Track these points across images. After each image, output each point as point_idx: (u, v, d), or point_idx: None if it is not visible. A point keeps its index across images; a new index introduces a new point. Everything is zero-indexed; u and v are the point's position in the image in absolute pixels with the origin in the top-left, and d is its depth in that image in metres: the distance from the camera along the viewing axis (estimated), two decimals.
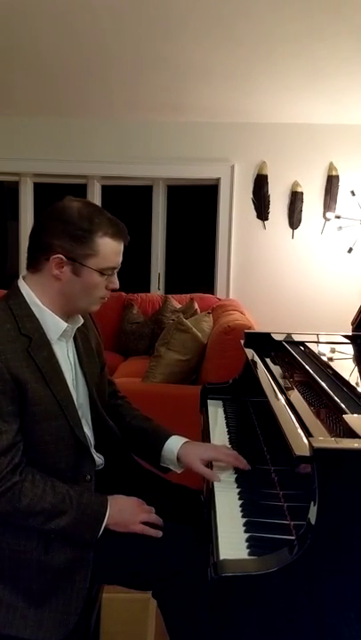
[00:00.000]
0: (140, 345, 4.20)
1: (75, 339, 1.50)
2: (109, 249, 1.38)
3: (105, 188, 4.74)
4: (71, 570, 1.34)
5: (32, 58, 3.57)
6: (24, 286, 1.40)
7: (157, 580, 1.36)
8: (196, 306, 4.06)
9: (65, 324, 1.41)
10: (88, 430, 1.51)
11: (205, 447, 1.58)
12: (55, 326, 1.40)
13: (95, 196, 4.67)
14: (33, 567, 1.32)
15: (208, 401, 2.08)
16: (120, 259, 1.43)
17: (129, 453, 1.65)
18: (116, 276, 1.45)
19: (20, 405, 1.31)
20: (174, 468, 1.58)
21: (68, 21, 3.09)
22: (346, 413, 1.25)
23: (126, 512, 1.38)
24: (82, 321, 1.50)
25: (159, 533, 1.37)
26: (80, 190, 4.69)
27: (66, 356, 1.45)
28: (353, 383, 1.45)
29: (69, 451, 1.39)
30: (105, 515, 1.35)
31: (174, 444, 1.55)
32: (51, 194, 4.85)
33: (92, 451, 1.50)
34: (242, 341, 2.17)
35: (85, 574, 1.35)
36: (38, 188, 4.81)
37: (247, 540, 1.16)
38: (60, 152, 4.56)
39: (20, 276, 1.44)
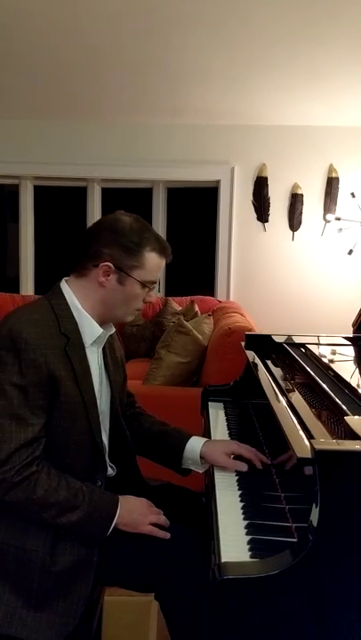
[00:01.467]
0: (140, 347, 4.20)
1: (104, 347, 1.54)
2: (154, 263, 1.46)
3: (105, 191, 4.74)
4: (75, 573, 1.34)
5: (31, 61, 3.57)
6: (66, 289, 1.46)
7: (159, 582, 1.37)
8: (197, 308, 4.06)
9: (100, 330, 1.46)
10: (105, 438, 1.53)
11: (225, 442, 1.66)
12: (91, 331, 1.45)
13: (95, 199, 4.67)
14: (37, 568, 1.32)
15: (209, 403, 2.09)
16: (159, 275, 1.52)
17: (137, 467, 1.66)
18: (154, 290, 1.52)
19: (51, 402, 1.35)
20: (196, 468, 1.62)
21: (68, 24, 3.10)
22: (347, 415, 1.25)
23: (136, 512, 1.40)
24: (114, 330, 1.56)
25: (167, 535, 1.38)
26: (80, 193, 4.69)
27: (95, 362, 1.49)
28: (354, 385, 1.45)
29: (86, 453, 1.42)
30: (115, 513, 1.36)
31: (196, 444, 1.60)
32: (51, 197, 4.85)
33: (106, 458, 1.51)
34: (242, 343, 2.17)
35: (88, 578, 1.35)
36: (38, 190, 4.81)
37: (249, 543, 1.16)
38: (59, 155, 4.56)
39: (63, 279, 1.49)
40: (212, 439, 1.66)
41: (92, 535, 1.36)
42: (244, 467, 1.51)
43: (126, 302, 1.47)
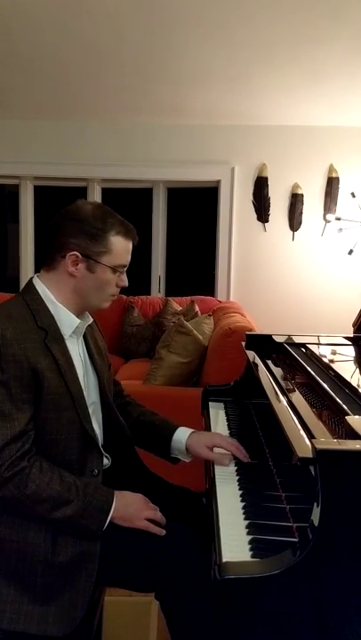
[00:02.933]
0: (140, 347, 4.20)
1: (85, 337, 1.55)
2: (121, 247, 1.47)
3: (105, 191, 4.75)
4: (78, 565, 1.34)
5: (32, 61, 3.57)
6: (39, 284, 1.47)
7: (160, 582, 1.36)
8: (197, 308, 4.06)
9: (78, 320, 1.47)
10: (97, 428, 1.53)
11: (210, 435, 1.68)
12: (68, 322, 1.45)
13: (95, 199, 4.67)
14: (40, 562, 1.33)
15: (209, 403, 2.08)
16: (129, 257, 1.51)
17: (136, 454, 1.68)
18: (125, 274, 1.52)
19: (36, 394, 1.35)
20: (183, 458, 1.65)
21: (68, 25, 3.10)
22: (348, 415, 1.25)
23: (132, 507, 1.40)
24: (91, 319, 1.57)
25: (162, 532, 1.39)
26: (80, 193, 4.69)
27: (77, 352, 1.49)
28: (355, 384, 1.45)
29: (78, 443, 1.42)
30: (111, 507, 1.37)
31: (182, 434, 1.63)
32: (51, 197, 4.85)
33: (100, 448, 1.51)
34: (243, 343, 2.17)
35: (92, 569, 1.35)
36: (38, 191, 4.81)
37: (250, 543, 1.16)
38: (60, 155, 4.56)
39: (35, 275, 1.50)
40: (198, 431, 1.68)
41: (87, 529, 1.36)
42: (226, 460, 1.53)
43: (99, 289, 1.47)
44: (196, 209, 4.99)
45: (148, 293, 4.74)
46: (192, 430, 1.65)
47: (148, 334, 4.18)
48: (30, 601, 1.31)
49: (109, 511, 1.37)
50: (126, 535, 1.39)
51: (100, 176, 4.65)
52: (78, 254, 1.42)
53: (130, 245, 1.49)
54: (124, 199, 4.83)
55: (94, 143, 4.55)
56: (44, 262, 1.49)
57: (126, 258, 1.49)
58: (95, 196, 4.67)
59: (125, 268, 1.51)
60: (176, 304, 4.28)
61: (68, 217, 1.47)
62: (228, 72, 3.59)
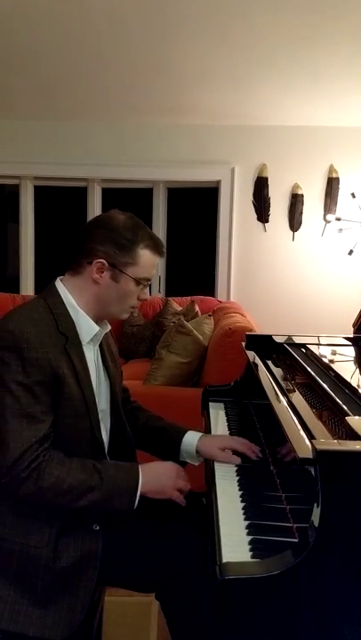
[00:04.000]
0: (140, 347, 4.20)
1: (100, 344, 1.55)
2: (148, 260, 1.47)
3: (105, 191, 4.75)
4: (79, 570, 1.34)
5: (31, 61, 3.57)
6: (61, 287, 1.47)
7: (160, 582, 1.37)
8: (197, 308, 4.06)
9: (97, 328, 1.47)
10: (105, 436, 1.53)
11: (220, 437, 1.71)
12: (88, 328, 1.46)
13: (95, 199, 4.68)
14: (41, 565, 1.32)
15: (209, 403, 2.08)
16: (154, 272, 1.52)
17: (136, 462, 1.66)
18: (148, 287, 1.53)
19: (55, 399, 1.36)
20: (192, 461, 1.65)
21: (68, 25, 3.10)
22: (348, 415, 1.25)
23: (163, 477, 1.43)
24: (109, 327, 1.58)
25: (184, 502, 1.43)
26: (81, 193, 4.69)
27: (93, 360, 1.49)
28: (355, 385, 1.45)
29: (86, 451, 1.42)
30: (138, 483, 1.37)
31: (192, 438, 1.63)
32: (51, 197, 4.86)
33: (105, 455, 1.51)
34: (243, 343, 2.17)
35: (93, 574, 1.35)
36: (39, 191, 4.81)
37: (250, 543, 1.16)
38: (60, 155, 4.56)
39: (58, 278, 1.50)
40: (207, 434, 1.69)
41: (119, 509, 1.35)
42: (237, 460, 1.55)
43: (120, 299, 1.47)
44: (197, 209, 4.99)
45: (149, 293, 4.73)
46: (201, 433, 1.66)
47: (149, 334, 4.18)
48: (30, 603, 1.31)
49: (137, 487, 1.36)
50: (127, 536, 1.39)
51: (101, 176, 4.65)
52: (105, 262, 1.42)
53: (157, 260, 1.50)
54: (125, 199, 4.83)
55: (94, 143, 4.55)
56: (69, 266, 1.49)
57: (151, 272, 1.50)
58: (95, 195, 4.67)
59: (149, 282, 1.52)
60: (176, 304, 4.28)
61: (100, 224, 1.47)
62: (228, 72, 3.59)
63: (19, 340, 1.31)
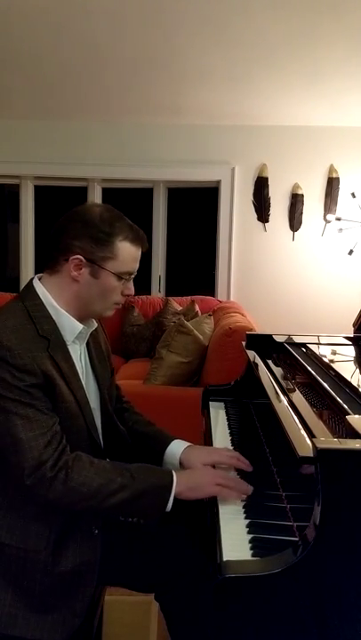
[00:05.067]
0: (141, 347, 4.20)
1: (87, 343, 1.49)
2: (128, 253, 1.39)
3: (105, 191, 4.75)
4: (78, 575, 1.33)
5: (31, 61, 3.57)
6: (40, 287, 1.40)
7: (160, 582, 1.36)
8: (197, 308, 4.06)
9: (80, 326, 1.41)
10: (98, 436, 1.50)
11: (207, 450, 1.57)
12: (71, 328, 1.39)
13: (96, 199, 4.67)
14: (39, 569, 1.31)
15: (210, 403, 2.08)
16: (137, 265, 1.44)
17: (136, 459, 1.64)
18: (132, 282, 1.45)
19: (52, 402, 1.32)
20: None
21: (68, 25, 3.10)
22: (348, 414, 1.25)
23: (197, 475, 1.38)
24: (95, 325, 1.51)
25: (241, 496, 1.33)
26: (81, 193, 4.69)
27: (79, 358, 1.44)
28: (355, 384, 1.45)
29: (86, 452, 1.38)
30: (173, 480, 1.32)
31: (176, 448, 1.54)
32: (51, 197, 4.85)
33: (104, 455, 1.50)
34: (243, 343, 2.17)
35: (92, 579, 1.34)
36: (39, 190, 4.81)
37: (250, 542, 1.16)
38: (60, 155, 4.56)
39: (35, 277, 1.44)
40: (194, 445, 1.59)
41: (152, 509, 1.31)
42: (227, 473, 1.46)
43: (103, 296, 1.40)
44: (197, 209, 4.99)
45: (149, 293, 4.74)
46: (188, 444, 1.55)
47: (149, 334, 4.18)
48: (27, 607, 1.30)
49: (172, 486, 1.31)
50: (126, 536, 1.39)
51: (101, 176, 4.65)
52: (82, 258, 1.35)
53: (138, 252, 1.42)
54: (125, 199, 4.83)
55: (95, 143, 4.55)
56: (46, 264, 1.43)
57: (133, 265, 1.42)
58: (95, 195, 4.67)
59: (132, 276, 1.44)
60: (176, 304, 4.28)
61: (75, 218, 1.39)
62: (228, 72, 3.59)
63: (0, 348, 1.26)
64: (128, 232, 1.39)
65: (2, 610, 1.31)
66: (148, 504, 1.31)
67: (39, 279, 1.43)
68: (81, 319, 1.42)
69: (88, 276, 1.37)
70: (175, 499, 1.32)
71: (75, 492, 1.26)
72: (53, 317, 1.37)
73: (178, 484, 1.32)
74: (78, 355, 1.44)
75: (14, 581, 1.32)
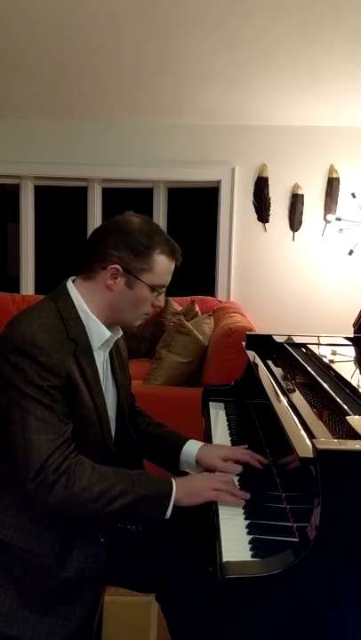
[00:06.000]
0: (140, 347, 4.21)
1: (110, 351, 1.51)
2: (164, 267, 1.42)
3: (105, 191, 4.74)
4: (81, 581, 1.33)
5: (32, 61, 3.57)
6: (73, 290, 1.42)
7: (160, 583, 1.36)
8: (197, 308, 4.06)
9: (109, 333, 1.43)
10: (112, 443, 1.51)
11: (222, 447, 1.64)
12: (99, 334, 1.41)
13: (96, 199, 4.67)
14: (43, 572, 1.31)
15: (210, 403, 2.08)
16: (170, 278, 1.46)
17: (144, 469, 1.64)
18: (163, 294, 1.48)
19: (70, 405, 1.33)
20: (191, 471, 1.60)
21: (68, 25, 3.10)
22: (348, 415, 1.25)
23: (196, 481, 1.39)
24: (121, 333, 1.53)
25: (241, 502, 1.33)
26: (81, 193, 4.69)
27: (101, 365, 1.45)
28: (355, 385, 1.45)
29: (98, 459, 1.38)
30: (172, 486, 1.33)
31: (192, 448, 1.57)
32: (51, 197, 4.85)
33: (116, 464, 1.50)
34: (243, 343, 2.17)
35: (95, 587, 1.34)
36: (39, 190, 4.81)
37: (250, 542, 1.16)
38: (60, 155, 4.56)
39: (69, 279, 1.46)
40: (208, 444, 1.63)
41: (151, 515, 1.32)
42: (238, 469, 1.49)
43: (134, 306, 1.42)
44: (197, 209, 4.99)
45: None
46: (202, 443, 1.59)
47: (148, 334, 4.18)
48: (27, 608, 1.30)
49: (171, 492, 1.32)
50: (127, 537, 1.39)
51: (101, 176, 4.65)
52: (119, 268, 1.37)
53: (172, 266, 1.45)
54: (125, 199, 4.83)
55: (95, 143, 4.55)
56: (81, 270, 1.44)
57: (167, 278, 1.44)
58: (95, 195, 4.67)
59: (164, 289, 1.46)
60: (176, 304, 4.28)
61: (115, 228, 1.41)
62: (228, 72, 3.59)
63: (32, 346, 1.27)
64: (165, 246, 1.42)
65: (1, 609, 1.31)
66: (147, 511, 1.31)
67: (73, 282, 1.44)
68: (109, 326, 1.44)
69: (123, 285, 1.39)
70: (174, 506, 1.33)
71: (76, 497, 1.26)
72: (83, 322, 1.39)
73: (177, 491, 1.33)
74: (102, 362, 1.46)
75: (17, 582, 1.32)
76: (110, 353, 1.52)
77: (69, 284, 1.43)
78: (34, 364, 1.27)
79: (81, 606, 1.33)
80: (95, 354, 1.41)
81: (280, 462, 1.44)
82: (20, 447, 1.27)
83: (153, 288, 1.42)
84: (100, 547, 1.37)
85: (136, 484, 1.31)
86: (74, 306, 1.39)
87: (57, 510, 1.29)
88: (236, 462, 1.52)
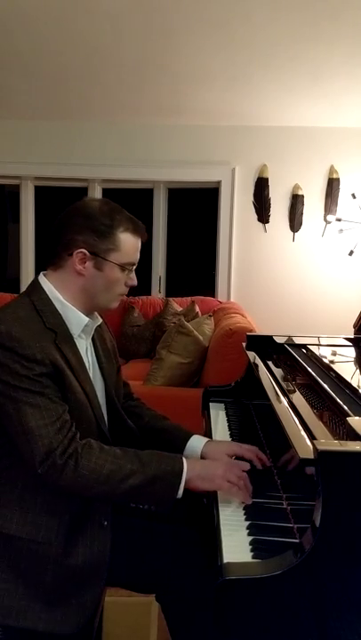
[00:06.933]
0: (141, 348, 4.20)
1: (93, 339, 1.52)
2: (130, 244, 1.43)
3: (106, 191, 4.75)
4: (89, 567, 1.33)
5: (33, 61, 3.57)
6: (45, 282, 1.43)
7: (161, 583, 1.36)
8: (197, 309, 4.06)
9: (86, 319, 1.44)
10: (106, 428, 1.51)
11: (228, 443, 1.64)
12: (77, 321, 1.42)
13: None
14: (50, 562, 1.31)
15: (210, 404, 2.08)
16: (138, 255, 1.47)
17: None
18: (134, 272, 1.48)
19: (61, 391, 1.34)
20: None
21: (69, 25, 3.10)
22: (349, 416, 1.25)
23: (211, 465, 1.38)
24: (100, 320, 1.53)
25: (248, 500, 1.32)
26: (81, 193, 4.69)
27: (85, 353, 1.46)
28: (355, 385, 1.45)
29: None
30: (183, 466, 1.33)
31: (198, 443, 1.57)
32: (51, 197, 4.85)
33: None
34: (243, 344, 2.17)
35: (102, 571, 1.34)
36: (39, 191, 4.81)
37: (251, 543, 1.16)
38: (60, 155, 4.56)
39: (41, 273, 1.47)
40: (212, 440, 1.64)
41: (163, 495, 1.32)
42: (246, 466, 1.47)
43: (108, 288, 1.43)
44: (197, 210, 4.99)
45: (149, 294, 4.74)
46: (207, 439, 1.59)
47: (149, 335, 4.18)
48: (38, 599, 1.30)
49: (182, 471, 1.32)
50: (127, 537, 1.39)
51: (101, 176, 4.65)
52: (86, 252, 1.38)
53: (139, 243, 1.45)
54: (125, 200, 4.80)
55: (95, 143, 4.55)
56: (50, 261, 1.46)
57: (135, 256, 1.45)
58: (96, 196, 4.67)
59: (134, 267, 1.47)
60: (176, 304, 4.28)
61: (75, 213, 1.43)
62: (228, 72, 3.59)
63: (9, 339, 1.28)
64: (128, 223, 1.43)
65: (13, 602, 1.30)
66: (158, 490, 1.31)
67: (44, 275, 1.46)
68: (87, 312, 1.45)
69: (92, 268, 1.40)
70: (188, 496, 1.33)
71: (85, 478, 1.28)
72: (60, 311, 1.40)
73: (189, 470, 1.33)
74: (85, 349, 1.47)
75: (25, 574, 1.32)
76: (94, 343, 1.52)
77: (41, 278, 1.45)
78: (15, 356, 1.28)
79: (91, 593, 1.33)
80: (77, 342, 1.42)
81: (281, 463, 1.44)
82: (22, 437, 1.28)
83: (123, 267, 1.42)
84: (104, 530, 1.37)
85: (146, 464, 1.32)
86: (48, 297, 1.40)
87: (69, 492, 1.31)
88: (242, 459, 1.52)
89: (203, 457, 1.55)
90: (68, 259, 1.41)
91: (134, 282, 1.48)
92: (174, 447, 1.58)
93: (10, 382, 1.28)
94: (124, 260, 1.42)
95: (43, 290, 1.41)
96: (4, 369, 1.28)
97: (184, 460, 1.35)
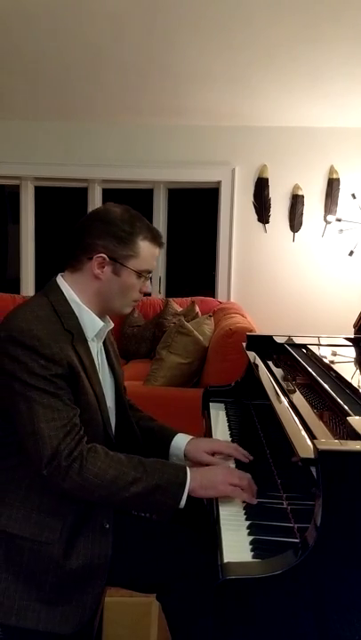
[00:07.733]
0: (141, 348, 4.21)
1: (104, 342, 1.54)
2: (148, 252, 1.46)
3: (106, 192, 4.75)
4: (89, 568, 1.33)
5: (33, 62, 3.57)
6: (63, 284, 1.45)
7: (161, 583, 1.36)
8: (197, 309, 4.06)
9: (101, 323, 1.46)
10: (112, 432, 1.52)
11: (207, 440, 1.67)
12: (92, 324, 1.45)
13: (96, 200, 4.68)
14: (51, 562, 1.31)
15: (210, 404, 2.08)
16: (155, 264, 1.51)
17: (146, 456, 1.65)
18: (149, 280, 1.52)
19: (73, 393, 1.36)
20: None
21: (70, 25, 3.10)
22: (349, 415, 1.25)
23: (212, 473, 1.38)
24: (112, 325, 1.55)
25: (254, 500, 1.33)
26: (81, 194, 4.70)
27: (96, 356, 1.48)
28: (356, 385, 1.45)
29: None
30: (186, 477, 1.34)
31: (181, 441, 1.59)
32: (51, 197, 4.86)
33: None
34: (243, 344, 2.17)
35: (103, 573, 1.34)
36: (39, 191, 4.81)
37: (251, 543, 1.16)
38: (60, 156, 4.56)
39: (59, 274, 1.49)
40: (196, 437, 1.64)
41: (165, 504, 1.32)
42: (226, 464, 1.51)
43: (123, 293, 1.46)
44: (197, 210, 5.00)
45: (149, 294, 4.75)
46: (191, 437, 1.61)
47: (149, 335, 4.18)
48: (38, 599, 1.30)
49: (185, 481, 1.33)
50: (128, 537, 1.39)
51: (101, 177, 4.65)
52: (105, 257, 1.41)
53: (157, 251, 1.49)
54: (125, 200, 4.79)
55: (95, 144, 4.55)
56: (68, 263, 1.48)
57: (153, 263, 1.48)
58: (96, 196, 4.68)
59: (150, 275, 1.50)
60: (176, 305, 4.28)
61: (97, 218, 1.46)
62: (228, 73, 3.59)
63: (30, 338, 1.30)
64: (148, 232, 1.46)
65: (13, 602, 1.31)
66: (161, 499, 1.32)
67: (62, 277, 1.48)
68: (100, 316, 1.48)
69: (110, 273, 1.43)
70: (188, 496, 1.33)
71: (88, 482, 1.28)
72: (76, 313, 1.43)
73: (192, 481, 1.34)
74: (95, 352, 1.49)
75: (26, 573, 1.32)
76: (106, 346, 1.55)
77: (59, 279, 1.47)
78: (34, 354, 1.30)
79: (91, 594, 1.33)
80: (90, 345, 1.44)
81: (281, 463, 1.44)
82: (31, 436, 1.29)
83: (139, 274, 1.45)
84: (106, 532, 1.37)
85: (149, 472, 1.32)
86: (65, 299, 1.43)
87: (72, 495, 1.32)
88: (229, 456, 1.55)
89: (185, 455, 1.58)
90: (86, 262, 1.43)
91: (148, 289, 1.53)
92: (161, 445, 1.61)
93: (26, 381, 1.29)
94: (142, 267, 1.45)
95: (60, 291, 1.44)
96: (22, 367, 1.30)
97: (188, 469, 1.35)
